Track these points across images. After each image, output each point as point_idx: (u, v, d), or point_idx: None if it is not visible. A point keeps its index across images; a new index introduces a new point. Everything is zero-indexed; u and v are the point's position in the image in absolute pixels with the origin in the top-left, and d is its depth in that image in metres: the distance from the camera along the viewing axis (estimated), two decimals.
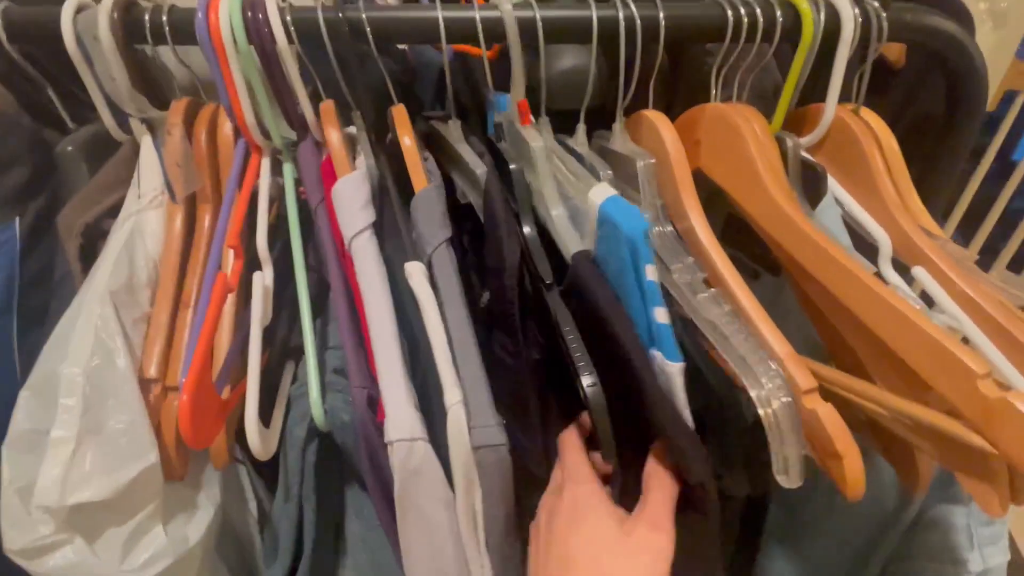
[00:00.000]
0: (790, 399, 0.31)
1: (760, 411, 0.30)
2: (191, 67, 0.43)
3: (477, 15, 0.39)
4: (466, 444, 0.34)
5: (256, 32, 0.40)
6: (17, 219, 0.42)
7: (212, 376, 0.35)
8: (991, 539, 0.34)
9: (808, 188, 0.42)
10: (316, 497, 0.39)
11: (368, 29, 0.40)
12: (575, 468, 0.35)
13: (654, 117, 0.43)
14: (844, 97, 0.45)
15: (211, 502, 0.39)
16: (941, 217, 0.46)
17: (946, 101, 0.43)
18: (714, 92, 0.42)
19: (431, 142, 0.50)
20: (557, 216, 0.38)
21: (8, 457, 0.31)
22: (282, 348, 0.45)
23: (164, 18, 0.40)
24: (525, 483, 0.38)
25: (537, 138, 0.40)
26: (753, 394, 0.31)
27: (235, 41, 0.39)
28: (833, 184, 0.41)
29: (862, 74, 0.42)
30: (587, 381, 0.31)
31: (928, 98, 0.48)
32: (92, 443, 0.32)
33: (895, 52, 0.49)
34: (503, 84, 0.46)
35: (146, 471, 0.33)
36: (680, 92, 0.52)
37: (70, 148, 0.45)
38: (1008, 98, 1.31)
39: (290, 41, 0.40)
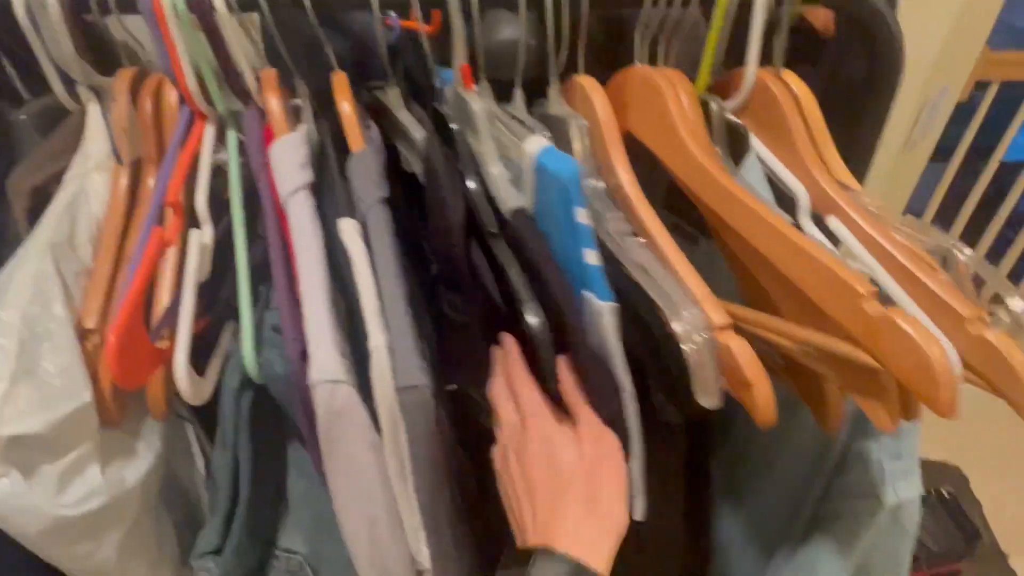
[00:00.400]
0: (709, 334, 0.32)
1: (683, 344, 0.32)
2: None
3: None
4: (389, 386, 0.36)
5: (196, 1, 0.41)
6: None
7: (143, 323, 0.36)
8: (902, 473, 0.35)
9: (733, 147, 0.44)
10: (251, 447, 0.41)
11: None
12: (535, 404, 0.36)
13: (584, 82, 0.44)
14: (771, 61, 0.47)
15: (151, 450, 0.41)
16: (862, 171, 0.47)
17: (867, 67, 0.45)
18: (637, 55, 0.44)
19: (378, 112, 0.52)
20: (497, 175, 0.40)
21: None
22: (227, 307, 0.46)
23: None
24: (477, 436, 0.40)
25: (478, 100, 0.41)
26: (677, 328, 0.33)
27: (175, 9, 0.41)
28: (756, 143, 0.42)
29: (779, 37, 0.44)
30: (532, 320, 0.33)
31: (855, 65, 0.49)
32: (27, 382, 0.33)
33: (822, 20, 0.51)
34: (449, 60, 0.47)
35: (79, 410, 0.35)
36: (620, 60, 0.54)
37: (23, 117, 0.46)
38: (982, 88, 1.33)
39: (230, 8, 0.42)
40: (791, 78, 0.42)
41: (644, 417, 0.36)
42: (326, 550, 0.45)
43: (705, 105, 0.44)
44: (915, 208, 1.44)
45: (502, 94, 0.50)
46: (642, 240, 0.39)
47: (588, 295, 0.35)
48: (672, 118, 0.40)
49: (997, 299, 0.33)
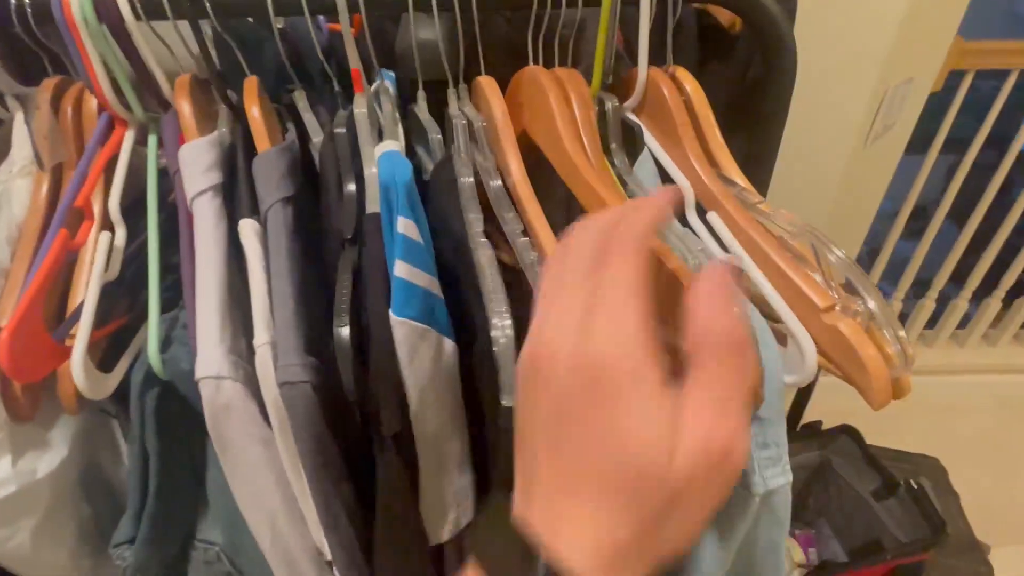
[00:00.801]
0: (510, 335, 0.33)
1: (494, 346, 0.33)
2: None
3: None
4: (272, 381, 0.37)
5: (105, 11, 0.43)
6: None
7: (41, 320, 0.38)
8: (770, 462, 0.36)
9: (628, 144, 0.45)
10: (159, 442, 0.43)
11: (207, 3, 0.43)
12: None
13: (483, 82, 0.46)
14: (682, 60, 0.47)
15: (65, 443, 0.43)
16: (769, 167, 0.48)
17: (764, 62, 0.46)
18: (531, 55, 0.45)
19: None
20: (370, 176, 0.41)
21: None
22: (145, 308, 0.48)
23: (26, 1, 0.43)
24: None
25: (361, 104, 0.43)
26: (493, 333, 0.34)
27: (85, 19, 0.43)
28: (649, 139, 0.43)
29: (678, 36, 0.44)
30: (340, 331, 0.35)
31: (759, 64, 0.50)
32: None
33: (728, 18, 0.51)
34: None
35: None
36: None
37: None
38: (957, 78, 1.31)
39: (137, 18, 0.44)
40: (684, 76, 0.43)
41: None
42: (241, 541, 0.47)
43: (600, 103, 0.45)
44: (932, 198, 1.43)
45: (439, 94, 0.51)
46: (528, 238, 0.40)
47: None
48: (553, 116, 0.41)
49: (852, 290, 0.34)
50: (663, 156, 0.42)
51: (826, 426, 1.24)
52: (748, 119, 0.48)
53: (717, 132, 0.42)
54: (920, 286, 1.58)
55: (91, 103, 0.48)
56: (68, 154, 0.47)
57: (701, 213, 0.41)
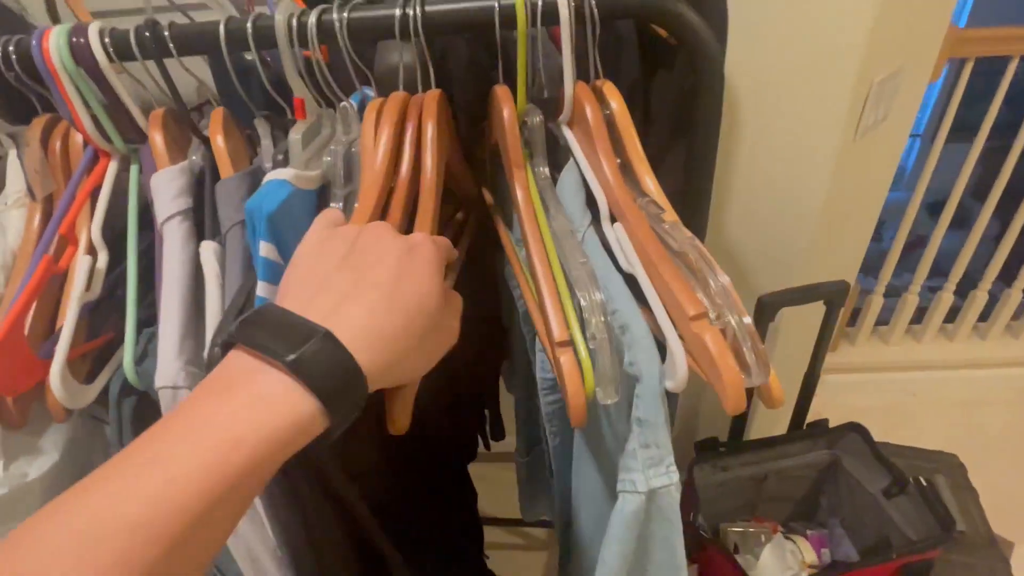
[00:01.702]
0: None
1: None
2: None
3: (249, 25, 0.45)
4: None
5: (81, 55, 0.47)
6: None
7: (23, 338, 0.42)
8: (652, 461, 0.36)
9: (553, 155, 0.47)
10: None
11: (171, 44, 0.47)
12: None
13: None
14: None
15: (56, 449, 0.47)
16: (708, 169, 0.49)
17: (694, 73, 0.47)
18: (501, 74, 0.47)
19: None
20: None
21: None
22: None
23: (11, 48, 0.48)
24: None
25: (298, 131, 0.46)
26: None
27: (63, 63, 0.47)
28: (576, 150, 0.45)
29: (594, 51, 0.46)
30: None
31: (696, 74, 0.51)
32: None
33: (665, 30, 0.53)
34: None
35: None
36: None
37: None
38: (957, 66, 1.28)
39: (110, 60, 0.48)
40: (609, 91, 0.45)
41: None
42: (227, 552, 0.51)
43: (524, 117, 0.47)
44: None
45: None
46: None
47: None
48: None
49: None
50: (585, 167, 0.44)
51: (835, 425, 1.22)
52: (688, 128, 0.50)
53: (637, 144, 0.43)
54: (939, 278, 1.54)
55: (77, 138, 0.52)
56: (57, 185, 0.52)
57: (614, 221, 0.42)
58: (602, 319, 0.33)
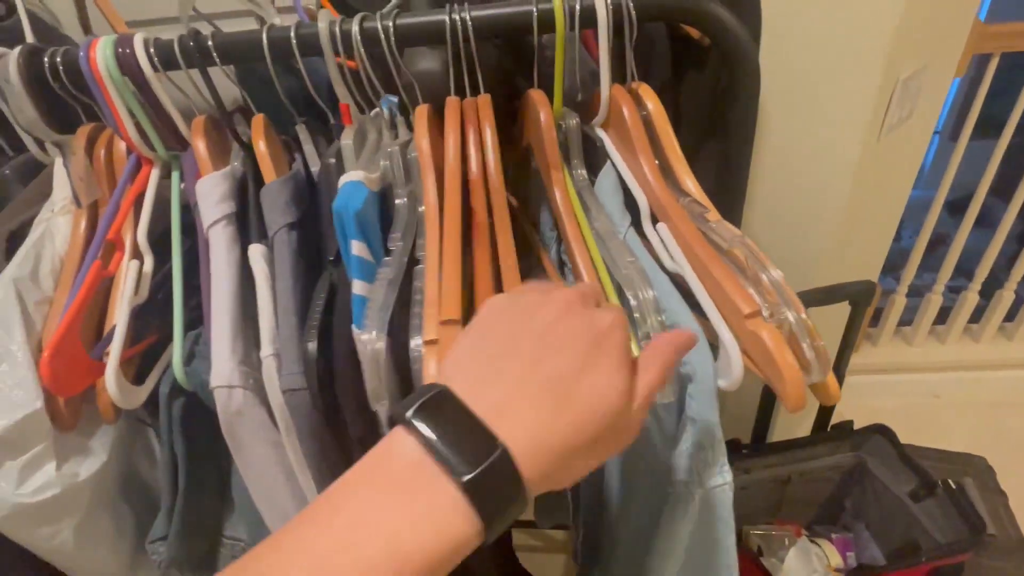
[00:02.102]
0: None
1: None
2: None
3: (292, 34, 0.46)
4: (277, 389, 0.41)
5: (127, 65, 0.48)
6: None
7: (79, 340, 0.43)
8: (706, 464, 0.36)
9: (591, 158, 0.47)
10: (185, 446, 0.47)
11: (214, 53, 0.48)
12: None
13: (416, 113, 0.48)
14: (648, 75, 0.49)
15: (104, 450, 0.48)
16: (743, 170, 0.49)
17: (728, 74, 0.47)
18: (536, 79, 0.48)
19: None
20: None
21: None
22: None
23: (58, 59, 0.50)
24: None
25: (348, 136, 0.47)
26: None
27: (110, 74, 0.48)
28: (613, 153, 0.46)
29: (628, 53, 0.46)
30: (307, 339, 0.39)
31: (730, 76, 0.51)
32: None
33: (697, 31, 0.53)
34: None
35: (32, 416, 0.42)
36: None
37: (7, 172, 0.55)
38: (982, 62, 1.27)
39: (155, 69, 0.49)
40: (645, 93, 0.45)
41: None
42: (265, 536, 0.51)
43: (563, 121, 0.47)
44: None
45: None
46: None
47: None
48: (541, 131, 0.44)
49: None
50: (623, 168, 0.44)
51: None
52: (721, 129, 0.50)
53: (675, 145, 0.44)
54: (961, 278, 1.52)
55: (121, 146, 0.53)
56: (102, 192, 0.53)
57: (656, 222, 0.42)
58: (657, 318, 0.33)
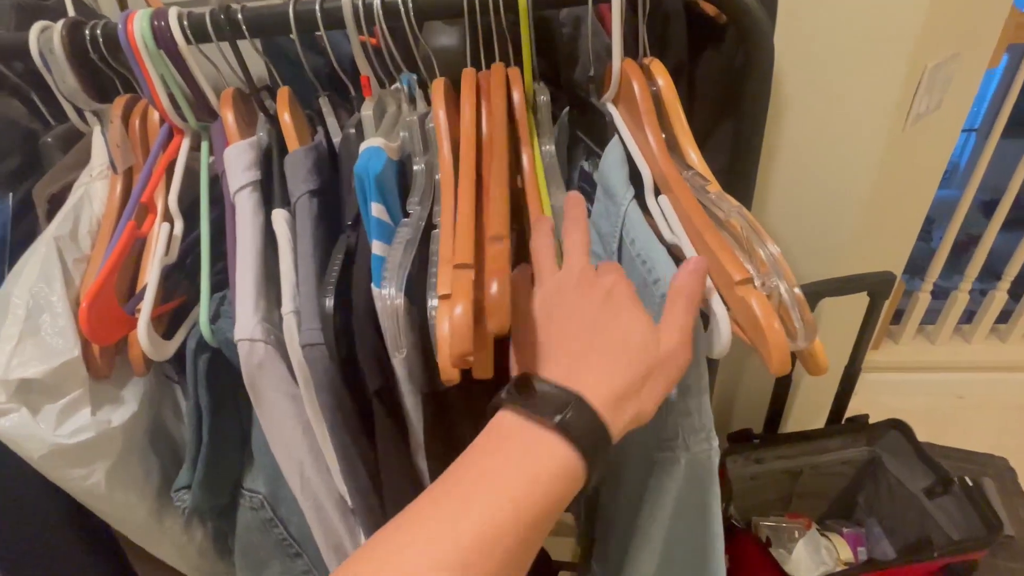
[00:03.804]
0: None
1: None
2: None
3: (317, 7, 0.48)
4: (296, 344, 0.43)
5: (162, 37, 0.51)
6: (10, 195, 0.56)
7: (114, 295, 0.46)
8: (692, 429, 0.37)
9: (600, 132, 0.49)
10: (209, 399, 0.50)
11: (243, 26, 0.50)
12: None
13: (434, 86, 0.50)
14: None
15: (135, 400, 0.51)
16: (755, 149, 0.50)
17: (744, 51, 0.48)
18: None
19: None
20: None
21: None
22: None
23: (98, 31, 0.52)
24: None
25: (368, 108, 0.48)
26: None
27: (146, 45, 0.51)
28: (621, 126, 0.46)
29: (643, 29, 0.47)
30: (323, 295, 0.41)
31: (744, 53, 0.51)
32: (30, 340, 0.44)
33: (713, 8, 0.53)
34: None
35: (71, 363, 0.45)
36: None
37: (49, 140, 0.58)
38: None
39: (188, 42, 0.51)
40: (657, 69, 0.46)
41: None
42: (281, 491, 0.54)
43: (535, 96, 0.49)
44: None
45: None
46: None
47: None
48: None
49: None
50: (630, 142, 0.45)
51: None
52: (735, 107, 0.50)
53: (683, 120, 0.44)
54: (990, 280, 1.48)
55: (154, 116, 0.56)
56: (136, 159, 0.56)
57: (659, 193, 0.43)
58: None
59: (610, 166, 0.45)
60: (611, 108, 0.48)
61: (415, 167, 0.47)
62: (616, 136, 0.46)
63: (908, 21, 0.82)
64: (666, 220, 0.40)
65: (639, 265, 0.40)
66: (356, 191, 0.42)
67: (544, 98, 0.48)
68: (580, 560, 0.70)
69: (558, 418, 0.29)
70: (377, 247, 0.40)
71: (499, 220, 0.36)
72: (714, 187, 0.40)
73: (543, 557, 0.80)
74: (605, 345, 0.32)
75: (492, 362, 0.36)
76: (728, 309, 0.35)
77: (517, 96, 0.46)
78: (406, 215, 0.44)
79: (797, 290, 0.34)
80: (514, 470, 0.28)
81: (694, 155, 0.43)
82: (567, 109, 0.54)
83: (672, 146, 0.44)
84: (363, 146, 0.43)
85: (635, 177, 0.44)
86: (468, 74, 0.49)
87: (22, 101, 0.60)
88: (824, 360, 0.35)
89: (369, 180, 0.39)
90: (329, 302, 0.40)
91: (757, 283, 0.34)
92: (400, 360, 0.40)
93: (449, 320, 0.34)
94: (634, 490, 0.40)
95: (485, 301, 0.33)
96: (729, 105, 0.52)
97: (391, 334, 0.39)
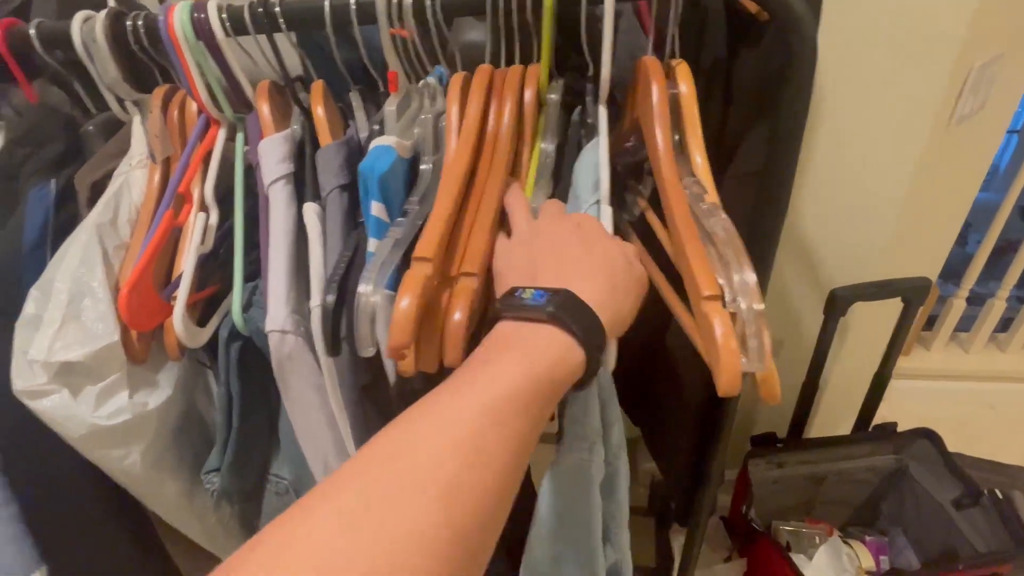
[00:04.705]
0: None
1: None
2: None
3: (352, 2, 0.48)
4: (322, 337, 0.44)
5: (201, 29, 0.52)
6: (53, 181, 0.58)
7: (151, 282, 0.47)
8: (578, 438, 0.38)
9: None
10: (240, 386, 0.51)
11: (280, 19, 0.51)
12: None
13: (451, 81, 0.50)
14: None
15: (170, 385, 0.52)
16: (793, 151, 0.49)
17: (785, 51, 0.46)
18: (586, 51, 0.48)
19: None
20: None
21: (19, 331, 0.46)
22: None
23: (139, 22, 0.53)
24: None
25: (392, 103, 0.49)
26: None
27: (186, 37, 0.52)
28: (603, 132, 0.46)
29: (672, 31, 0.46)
30: (326, 292, 0.42)
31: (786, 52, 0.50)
32: (72, 324, 0.46)
33: (755, 6, 0.52)
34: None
35: (110, 347, 0.47)
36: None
37: (91, 128, 0.60)
38: None
39: (227, 34, 0.52)
40: (681, 73, 0.45)
41: None
42: (306, 477, 0.55)
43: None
44: None
45: None
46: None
47: None
48: None
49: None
50: (603, 146, 0.45)
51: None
52: (774, 107, 0.49)
53: (697, 125, 0.44)
54: None
55: (192, 107, 0.57)
56: (175, 149, 0.57)
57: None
58: None
59: (584, 168, 0.45)
60: (600, 109, 0.47)
61: (422, 166, 0.47)
62: (596, 139, 0.45)
63: (956, 20, 0.79)
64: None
65: None
66: (360, 188, 0.42)
67: (553, 97, 0.48)
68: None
69: (551, 308, 0.31)
70: (372, 244, 0.40)
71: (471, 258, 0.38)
72: (711, 198, 0.39)
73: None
74: (589, 260, 0.36)
75: (438, 357, 0.36)
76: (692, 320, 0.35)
77: (528, 94, 0.46)
78: (404, 214, 0.44)
79: (759, 308, 0.33)
80: (515, 365, 0.29)
81: (700, 161, 0.43)
82: (579, 108, 0.53)
83: (680, 150, 0.43)
84: (374, 143, 0.43)
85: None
86: (482, 70, 0.49)
87: (63, 88, 0.62)
88: (776, 387, 0.35)
89: (372, 179, 0.40)
90: (330, 299, 0.41)
91: (728, 298, 0.34)
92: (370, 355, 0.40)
93: (392, 314, 0.34)
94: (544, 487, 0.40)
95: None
96: (767, 105, 0.50)
97: (362, 329, 0.39)
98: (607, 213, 0.42)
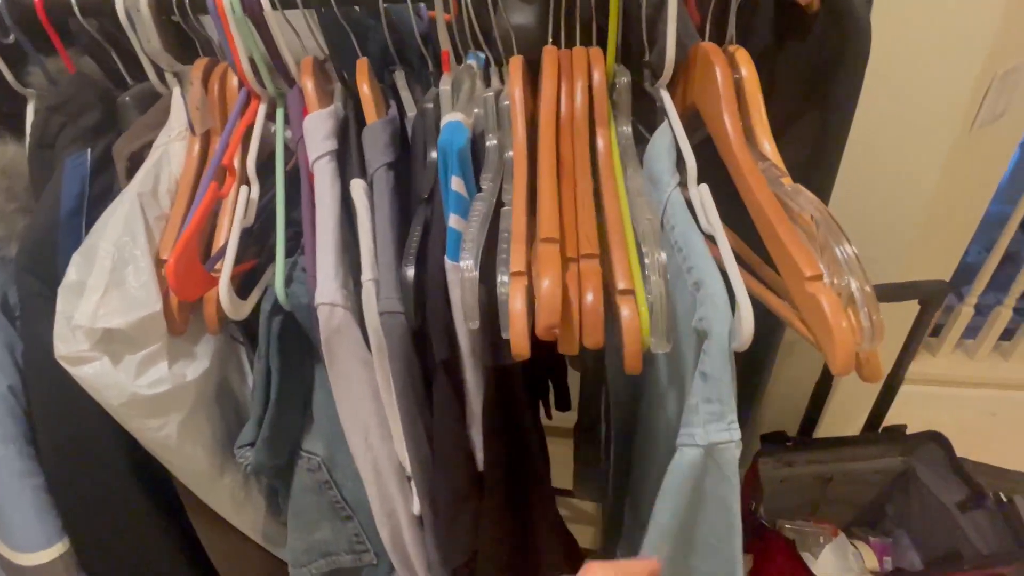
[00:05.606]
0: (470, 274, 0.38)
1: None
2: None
3: None
4: (374, 311, 0.44)
5: (248, 2, 0.51)
6: (88, 150, 0.57)
7: (197, 253, 0.47)
8: (713, 416, 0.36)
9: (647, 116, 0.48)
10: (280, 360, 0.51)
11: None
12: None
13: (511, 64, 0.50)
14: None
15: (207, 358, 0.52)
16: (840, 144, 0.49)
17: (838, 43, 0.47)
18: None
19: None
20: None
21: (62, 296, 0.45)
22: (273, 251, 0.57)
23: None
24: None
25: (446, 83, 0.49)
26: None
27: (232, 9, 0.51)
28: (672, 114, 0.46)
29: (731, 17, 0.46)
30: (405, 264, 0.42)
31: (834, 42, 0.50)
32: (116, 292, 0.45)
33: None
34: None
35: (152, 316, 0.46)
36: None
37: (127, 99, 0.59)
38: None
39: (273, 7, 0.52)
40: (742, 58, 0.45)
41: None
42: (338, 454, 0.55)
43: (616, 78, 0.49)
44: None
45: None
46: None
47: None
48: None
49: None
50: (679, 129, 0.45)
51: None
52: (822, 98, 0.49)
53: (762, 111, 0.44)
54: None
55: (233, 80, 0.57)
56: (214, 122, 0.57)
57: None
58: (658, 276, 0.34)
59: (658, 152, 0.45)
60: (663, 93, 0.47)
61: (488, 143, 0.47)
62: (665, 123, 0.45)
63: (984, 25, 0.80)
64: (704, 210, 0.40)
65: (675, 252, 0.40)
66: (439, 163, 0.42)
67: (624, 80, 0.48)
68: (602, 545, 0.70)
69: None
70: (454, 220, 0.40)
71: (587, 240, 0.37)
72: (788, 179, 0.39)
73: (570, 542, 0.81)
74: None
75: (577, 338, 0.36)
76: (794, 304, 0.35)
77: (597, 77, 0.46)
78: (479, 190, 0.44)
79: (869, 288, 0.33)
80: None
81: (768, 147, 0.43)
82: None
83: (748, 136, 0.44)
84: (445, 119, 0.43)
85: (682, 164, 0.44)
86: (550, 52, 0.49)
87: (95, 59, 0.62)
88: (880, 366, 0.35)
89: (452, 153, 0.40)
90: (411, 272, 0.41)
91: (827, 280, 0.33)
92: (469, 332, 0.40)
93: (538, 294, 0.34)
94: (659, 476, 0.39)
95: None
96: (814, 97, 0.51)
97: (468, 305, 0.39)
98: (704, 190, 0.41)
